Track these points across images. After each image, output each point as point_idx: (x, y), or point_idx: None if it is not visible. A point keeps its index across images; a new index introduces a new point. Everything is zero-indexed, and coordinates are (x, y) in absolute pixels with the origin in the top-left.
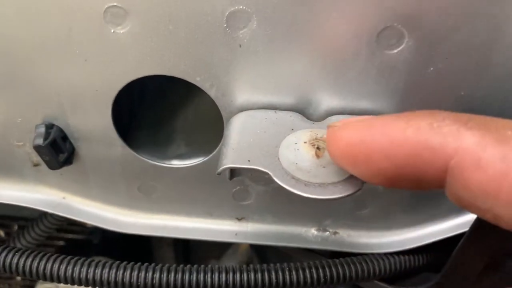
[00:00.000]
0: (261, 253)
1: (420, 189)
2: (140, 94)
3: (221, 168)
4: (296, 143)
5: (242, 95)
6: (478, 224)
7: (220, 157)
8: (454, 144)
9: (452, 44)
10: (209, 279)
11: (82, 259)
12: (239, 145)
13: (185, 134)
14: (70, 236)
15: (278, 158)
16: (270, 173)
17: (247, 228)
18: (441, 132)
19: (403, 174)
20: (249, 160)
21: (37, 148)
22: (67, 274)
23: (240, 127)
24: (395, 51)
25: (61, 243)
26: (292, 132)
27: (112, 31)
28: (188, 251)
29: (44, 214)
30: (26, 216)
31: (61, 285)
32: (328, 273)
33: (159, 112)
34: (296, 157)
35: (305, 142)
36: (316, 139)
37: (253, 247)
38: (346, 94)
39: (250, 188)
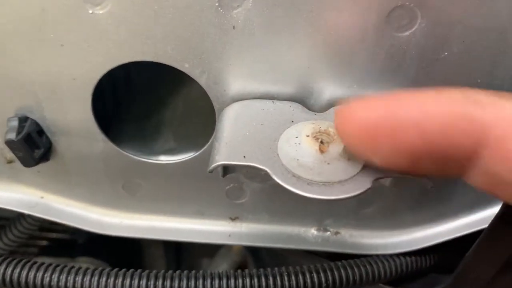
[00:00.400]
0: (255, 253)
1: (441, 172)
2: (125, 83)
3: (213, 165)
4: (297, 137)
5: (236, 84)
6: (497, 223)
7: (212, 152)
8: (493, 113)
9: (469, 27)
10: (200, 286)
11: (61, 265)
12: (233, 139)
13: (174, 127)
14: (53, 235)
15: (277, 154)
16: (268, 170)
17: (242, 228)
18: (479, 102)
19: (432, 150)
20: (244, 156)
21: (9, 144)
22: (44, 282)
23: (234, 119)
24: (407, 33)
25: (44, 243)
26: (292, 124)
27: (90, 11)
28: (179, 249)
29: (22, 214)
30: (6, 216)
31: None
32: (330, 277)
33: (146, 103)
34: (298, 152)
35: (307, 136)
36: (319, 132)
37: (248, 246)
38: (351, 82)
39: (245, 185)
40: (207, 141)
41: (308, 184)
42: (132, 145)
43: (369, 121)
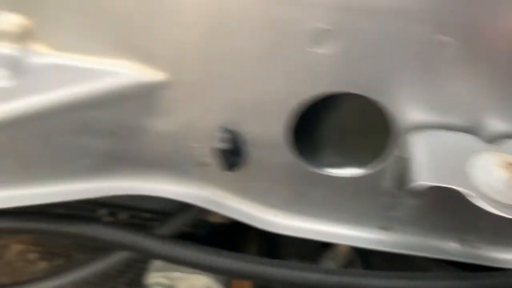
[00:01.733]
0: (364, 255)
1: None
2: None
3: (417, 183)
4: (485, 165)
5: (417, 114)
6: None
7: (408, 173)
8: None
9: None
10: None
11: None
12: (430, 164)
13: (340, 142)
14: None
15: (469, 179)
16: (472, 194)
17: (390, 237)
18: None
19: None
20: (442, 179)
21: (221, 152)
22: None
23: (425, 146)
24: None
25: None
26: (473, 153)
27: (309, 49)
28: (274, 249)
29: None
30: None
31: (175, 274)
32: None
33: (315, 117)
34: (490, 178)
35: (496, 165)
36: (508, 162)
37: (356, 250)
38: None
39: (400, 200)
40: (377, 160)
41: (505, 207)
42: (303, 156)
43: None
